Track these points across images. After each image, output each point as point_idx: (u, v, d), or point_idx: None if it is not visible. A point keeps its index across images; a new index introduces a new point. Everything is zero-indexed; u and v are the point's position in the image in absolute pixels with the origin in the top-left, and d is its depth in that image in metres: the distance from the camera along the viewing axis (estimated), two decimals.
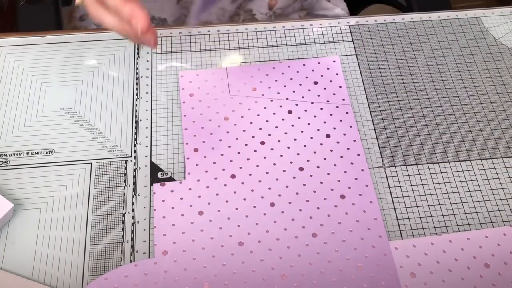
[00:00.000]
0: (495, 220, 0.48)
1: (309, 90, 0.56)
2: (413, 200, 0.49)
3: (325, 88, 0.56)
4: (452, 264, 0.46)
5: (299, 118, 0.54)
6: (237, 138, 0.53)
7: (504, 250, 0.47)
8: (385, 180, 0.51)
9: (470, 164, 0.52)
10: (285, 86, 0.56)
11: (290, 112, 0.54)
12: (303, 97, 0.55)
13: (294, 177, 0.50)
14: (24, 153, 0.52)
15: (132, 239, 0.47)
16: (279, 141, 0.53)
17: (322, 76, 0.57)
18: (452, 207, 0.49)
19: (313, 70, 0.58)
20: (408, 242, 0.47)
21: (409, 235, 0.47)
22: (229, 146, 0.52)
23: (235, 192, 0.50)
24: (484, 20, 0.63)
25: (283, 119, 0.54)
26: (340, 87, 0.56)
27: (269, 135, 0.53)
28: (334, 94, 0.56)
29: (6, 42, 0.60)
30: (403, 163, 0.52)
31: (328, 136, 0.53)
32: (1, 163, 0.51)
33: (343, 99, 0.55)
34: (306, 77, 0.57)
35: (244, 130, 0.53)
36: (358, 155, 0.52)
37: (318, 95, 0.56)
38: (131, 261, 0.46)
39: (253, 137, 0.53)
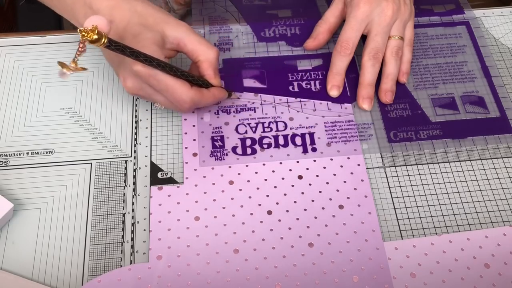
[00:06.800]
0: (495, 220, 0.48)
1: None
2: (413, 200, 0.49)
3: None
4: (452, 264, 0.46)
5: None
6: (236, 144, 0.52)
7: (504, 250, 0.47)
8: (385, 180, 0.50)
9: (470, 164, 0.52)
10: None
11: (291, 119, 0.54)
12: (305, 104, 0.55)
13: (292, 185, 0.50)
14: (24, 153, 0.52)
15: (132, 239, 0.47)
16: (278, 148, 0.52)
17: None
18: (452, 207, 0.49)
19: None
20: (408, 242, 0.47)
21: (409, 235, 0.47)
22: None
23: (232, 199, 0.49)
24: (484, 20, 0.63)
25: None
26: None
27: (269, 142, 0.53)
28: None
29: (6, 42, 0.60)
30: (403, 163, 0.52)
31: (329, 144, 0.53)
32: (1, 163, 0.51)
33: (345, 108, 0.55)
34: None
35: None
36: (359, 165, 0.51)
37: (320, 103, 0.55)
38: (131, 261, 0.46)
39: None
